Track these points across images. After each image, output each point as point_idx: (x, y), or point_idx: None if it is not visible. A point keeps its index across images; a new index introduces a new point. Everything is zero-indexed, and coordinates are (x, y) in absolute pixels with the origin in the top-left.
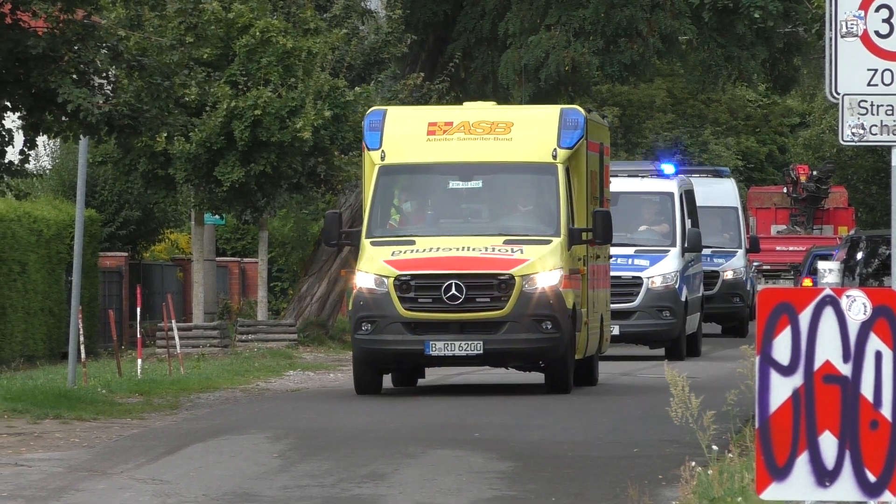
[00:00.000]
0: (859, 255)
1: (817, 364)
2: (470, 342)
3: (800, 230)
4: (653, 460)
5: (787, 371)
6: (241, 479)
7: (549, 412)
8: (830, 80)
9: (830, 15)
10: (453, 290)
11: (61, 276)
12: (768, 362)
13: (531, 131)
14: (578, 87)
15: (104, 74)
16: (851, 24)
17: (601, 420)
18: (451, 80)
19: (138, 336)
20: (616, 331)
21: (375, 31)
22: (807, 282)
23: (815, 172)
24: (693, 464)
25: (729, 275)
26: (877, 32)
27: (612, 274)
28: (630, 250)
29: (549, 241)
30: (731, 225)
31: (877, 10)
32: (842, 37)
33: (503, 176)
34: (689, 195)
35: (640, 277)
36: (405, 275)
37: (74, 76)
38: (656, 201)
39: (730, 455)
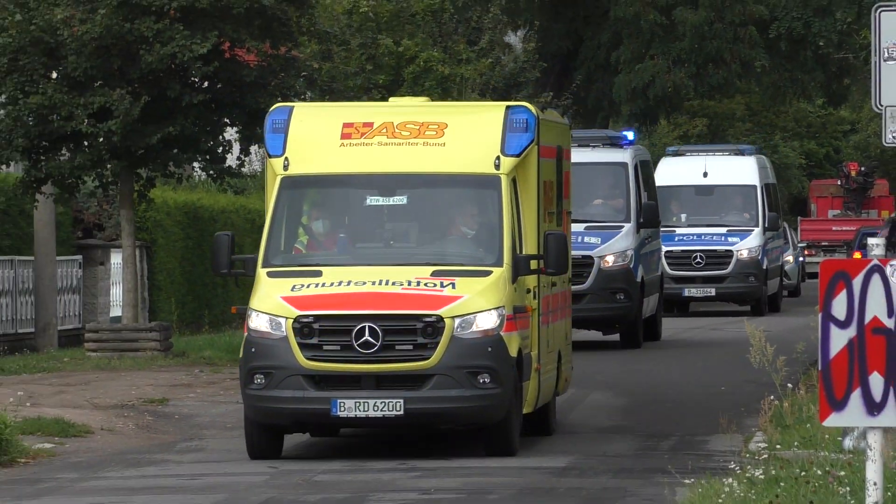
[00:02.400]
0: None
1: (867, 319)
2: (387, 400)
3: (851, 214)
4: (736, 397)
5: (843, 325)
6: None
7: (650, 359)
8: (875, 95)
9: (875, 43)
10: (367, 336)
11: None
12: (829, 318)
13: (469, 135)
14: (675, 102)
15: (302, 97)
16: (892, 51)
17: (693, 366)
18: (574, 98)
19: None
20: None
21: (514, 60)
22: (857, 255)
23: (863, 168)
24: (772, 398)
25: (744, 254)
26: None
27: None
28: (580, 227)
29: (488, 273)
30: (751, 203)
31: None
32: (884, 60)
33: (433, 190)
34: (644, 166)
35: (590, 257)
36: (307, 315)
37: (279, 98)
38: (609, 173)
39: (800, 392)
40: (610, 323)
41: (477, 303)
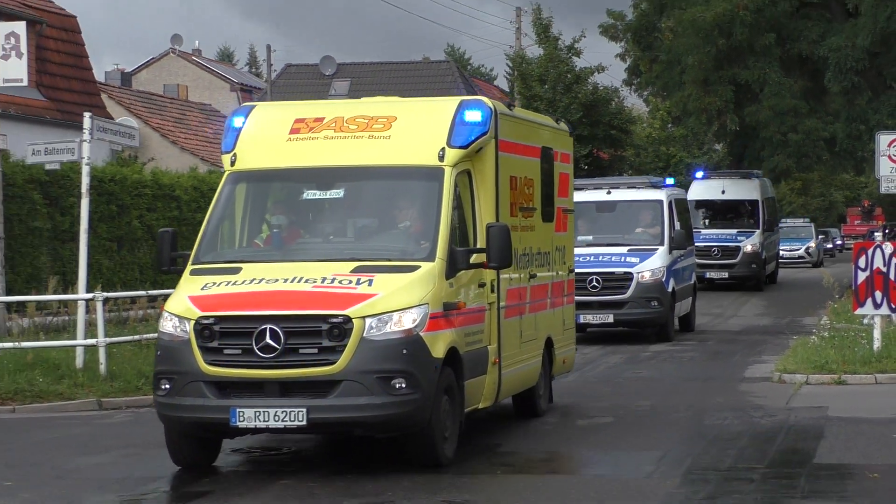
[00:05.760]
0: (887, 231)
1: (874, 267)
2: (289, 409)
3: (865, 222)
4: (813, 303)
5: (863, 270)
6: None
7: (774, 290)
8: (876, 170)
9: (876, 148)
10: (267, 339)
11: None
12: (857, 267)
13: (416, 128)
14: (787, 174)
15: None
16: (884, 151)
17: (797, 291)
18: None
19: None
20: (610, 318)
21: (717, 154)
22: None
23: (870, 203)
24: (830, 301)
25: (748, 248)
26: (893, 155)
27: (607, 270)
28: (624, 249)
29: (415, 268)
30: (754, 213)
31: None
32: (881, 156)
33: (372, 183)
34: (679, 203)
35: (630, 273)
36: (207, 317)
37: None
38: (648, 208)
39: (843, 298)
40: (647, 324)
41: (393, 301)
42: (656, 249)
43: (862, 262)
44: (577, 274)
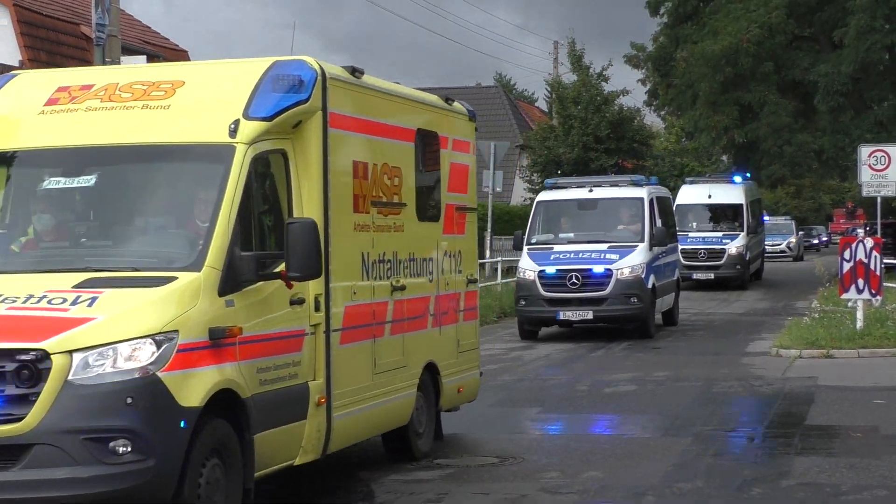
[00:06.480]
0: (867, 229)
1: (857, 258)
2: None
3: (848, 220)
4: (807, 288)
5: (847, 261)
6: None
7: (764, 284)
8: (858, 176)
9: (858, 158)
10: None
11: None
12: (842, 259)
13: (206, 96)
14: (783, 181)
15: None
16: (864, 161)
17: (789, 281)
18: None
19: None
20: (590, 315)
21: (725, 162)
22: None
23: (853, 204)
24: (821, 288)
25: (733, 250)
26: (872, 164)
27: (586, 267)
28: (604, 246)
29: (167, 280)
30: (738, 216)
31: (875, 156)
32: (862, 165)
33: (134, 167)
34: (661, 201)
35: (610, 269)
36: None
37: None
38: (629, 205)
39: (831, 286)
40: (626, 320)
41: (119, 327)
42: (636, 246)
43: (847, 254)
44: (557, 271)
